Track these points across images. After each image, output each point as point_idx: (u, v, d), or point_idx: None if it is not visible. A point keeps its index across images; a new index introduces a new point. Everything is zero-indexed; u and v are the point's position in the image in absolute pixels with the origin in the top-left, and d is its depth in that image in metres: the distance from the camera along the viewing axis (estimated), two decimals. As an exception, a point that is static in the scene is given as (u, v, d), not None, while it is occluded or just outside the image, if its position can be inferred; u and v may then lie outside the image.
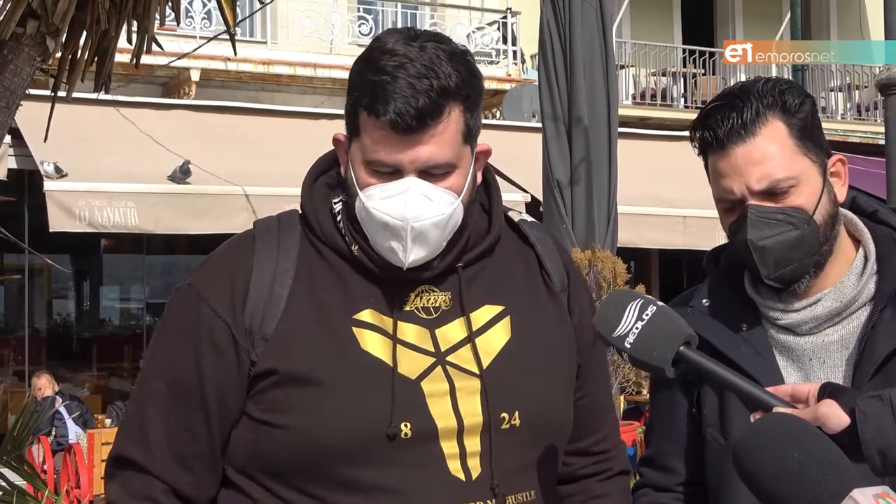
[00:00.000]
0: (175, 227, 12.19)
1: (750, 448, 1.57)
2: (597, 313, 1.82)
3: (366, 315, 1.88)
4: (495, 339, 1.93)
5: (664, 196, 14.25)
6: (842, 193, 2.14)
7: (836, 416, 1.68)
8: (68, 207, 11.53)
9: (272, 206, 12.79)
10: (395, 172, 1.84)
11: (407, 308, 1.91)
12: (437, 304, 1.92)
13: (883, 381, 2.00)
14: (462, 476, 1.84)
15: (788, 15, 17.21)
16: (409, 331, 1.89)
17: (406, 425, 1.81)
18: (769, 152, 2.05)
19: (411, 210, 1.83)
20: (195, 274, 1.97)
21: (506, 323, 1.95)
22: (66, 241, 12.86)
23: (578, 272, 2.14)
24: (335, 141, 1.97)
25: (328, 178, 2.02)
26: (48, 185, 11.59)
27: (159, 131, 13.23)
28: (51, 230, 11.55)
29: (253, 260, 1.92)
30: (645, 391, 11.19)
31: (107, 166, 12.15)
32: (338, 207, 1.95)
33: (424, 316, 1.91)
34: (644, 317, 1.77)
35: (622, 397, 10.50)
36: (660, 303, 1.80)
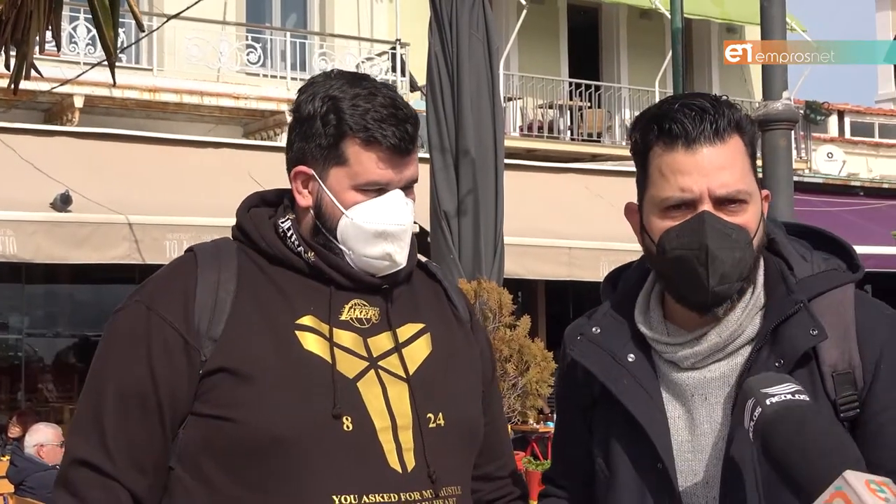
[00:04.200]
0: (55, 256, 11.90)
1: (769, 423, 1.76)
2: (759, 374, 1.94)
3: (306, 320, 2.10)
4: (418, 351, 2.16)
5: (550, 227, 14.39)
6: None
7: None
8: (-56, 235, 11.21)
9: (155, 235, 12.59)
10: (380, 189, 2.12)
11: (343, 317, 2.13)
12: (368, 317, 2.15)
13: None
14: (399, 469, 2.04)
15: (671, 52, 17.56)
16: (344, 337, 2.11)
17: (347, 419, 2.02)
18: (733, 162, 2.04)
19: (406, 216, 2.14)
20: (140, 293, 2.14)
21: (427, 338, 2.19)
22: (-58, 270, 12.50)
23: (476, 312, 2.29)
24: (299, 173, 2.16)
25: (260, 211, 2.23)
26: (-77, 212, 11.26)
27: (40, 158, 12.95)
28: (-74, 259, 11.23)
29: (197, 271, 2.11)
30: (531, 420, 11.24)
31: (-15, 194, 11.85)
32: (286, 225, 2.17)
33: (358, 326, 2.13)
34: (797, 396, 1.84)
35: (509, 427, 10.53)
36: (810, 401, 1.88)
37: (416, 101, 17.23)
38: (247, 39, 17.75)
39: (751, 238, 2.04)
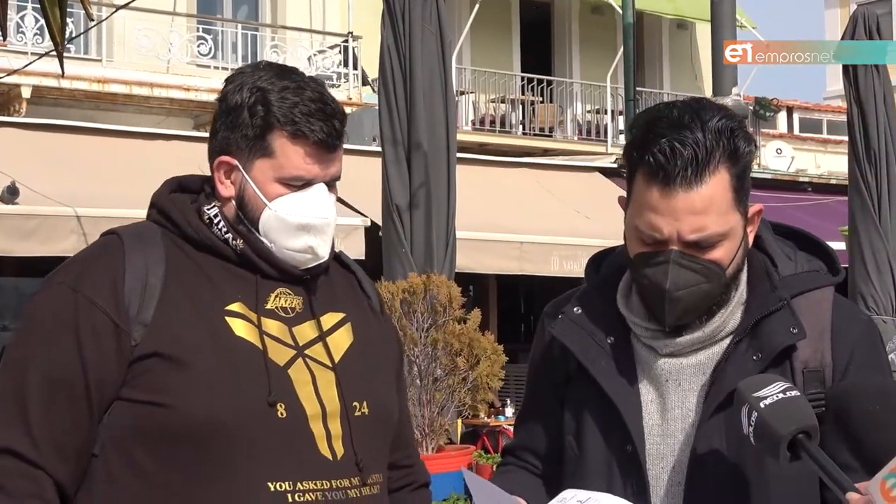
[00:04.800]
0: (1, 249, 11.77)
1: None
2: (746, 379, 1.96)
3: (236, 307, 2.09)
4: (342, 340, 2.18)
5: (501, 222, 14.41)
6: (751, 238, 2.13)
7: None
8: None
9: (104, 228, 12.48)
10: (305, 184, 2.11)
11: (269, 306, 2.13)
12: (293, 306, 2.16)
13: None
14: (329, 456, 2.06)
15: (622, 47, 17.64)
16: (271, 325, 2.11)
17: (281, 405, 2.03)
18: (710, 205, 1.99)
19: (330, 210, 2.14)
20: (63, 274, 2.08)
21: (348, 328, 2.21)
22: None
23: (385, 304, 2.40)
24: (223, 163, 2.14)
25: (181, 196, 2.20)
26: None
27: (-13, 149, 12.79)
28: None
29: (124, 255, 2.06)
30: (482, 414, 11.25)
31: (-70, 185, 11.68)
32: (213, 212, 2.15)
33: (283, 315, 2.14)
34: (787, 393, 1.88)
35: (459, 420, 10.54)
36: (801, 395, 1.93)
37: (369, 95, 17.22)
38: (197, 31, 17.62)
39: (723, 270, 2.05)
